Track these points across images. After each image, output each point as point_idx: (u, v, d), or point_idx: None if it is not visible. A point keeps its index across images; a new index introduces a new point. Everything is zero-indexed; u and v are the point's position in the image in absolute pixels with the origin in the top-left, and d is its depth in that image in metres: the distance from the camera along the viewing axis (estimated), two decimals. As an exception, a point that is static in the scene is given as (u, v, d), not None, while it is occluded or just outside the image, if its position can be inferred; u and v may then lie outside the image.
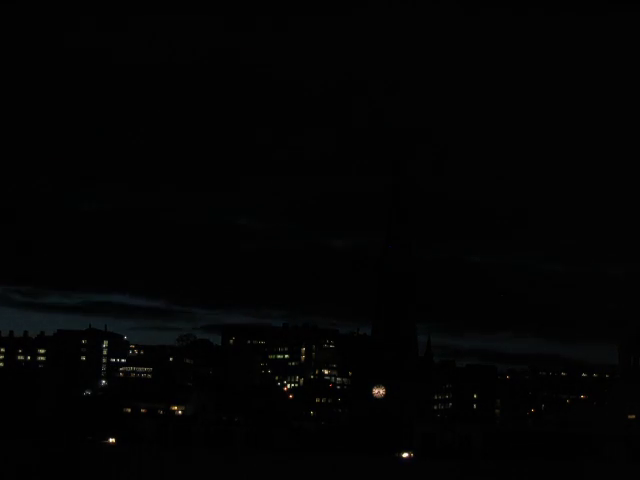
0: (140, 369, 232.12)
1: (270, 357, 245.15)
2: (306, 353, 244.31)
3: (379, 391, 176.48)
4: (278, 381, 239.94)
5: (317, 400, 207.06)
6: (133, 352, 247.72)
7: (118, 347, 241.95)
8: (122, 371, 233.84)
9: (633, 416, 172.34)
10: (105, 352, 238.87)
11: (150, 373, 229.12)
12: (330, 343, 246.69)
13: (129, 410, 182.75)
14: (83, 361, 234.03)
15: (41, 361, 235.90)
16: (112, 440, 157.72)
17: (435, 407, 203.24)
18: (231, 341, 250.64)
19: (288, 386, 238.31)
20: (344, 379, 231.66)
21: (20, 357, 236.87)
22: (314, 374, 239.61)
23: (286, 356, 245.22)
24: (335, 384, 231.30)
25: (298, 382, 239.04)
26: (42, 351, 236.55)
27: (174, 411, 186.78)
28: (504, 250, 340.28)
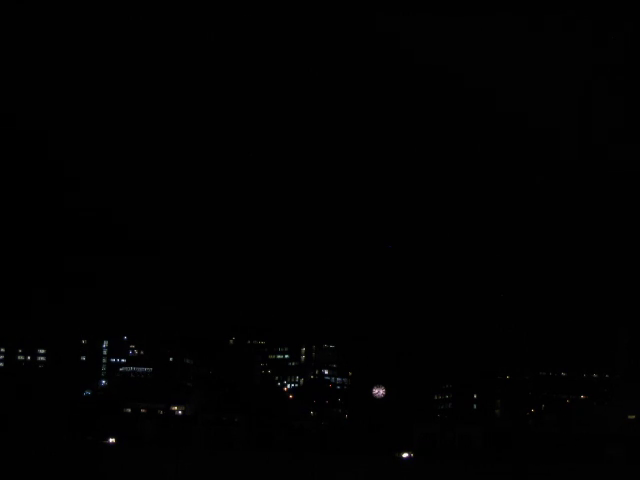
0: (140, 369, 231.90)
1: (270, 357, 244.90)
2: (306, 353, 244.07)
3: (379, 391, 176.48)
4: (278, 381, 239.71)
5: (317, 400, 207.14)
6: (133, 352, 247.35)
7: (118, 347, 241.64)
8: (122, 371, 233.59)
9: (633, 416, 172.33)
10: (105, 352, 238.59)
11: (150, 373, 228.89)
12: (330, 343, 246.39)
13: (129, 410, 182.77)
14: (83, 361, 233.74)
15: (41, 361, 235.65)
16: (112, 440, 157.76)
17: (435, 407, 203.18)
18: (231, 341, 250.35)
19: (288, 386, 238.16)
20: (344, 379, 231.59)
21: (20, 357, 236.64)
22: (314, 374, 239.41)
23: (286, 356, 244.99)
24: (335, 384, 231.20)
25: (298, 382, 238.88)
26: (42, 351, 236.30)
27: (174, 411, 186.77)
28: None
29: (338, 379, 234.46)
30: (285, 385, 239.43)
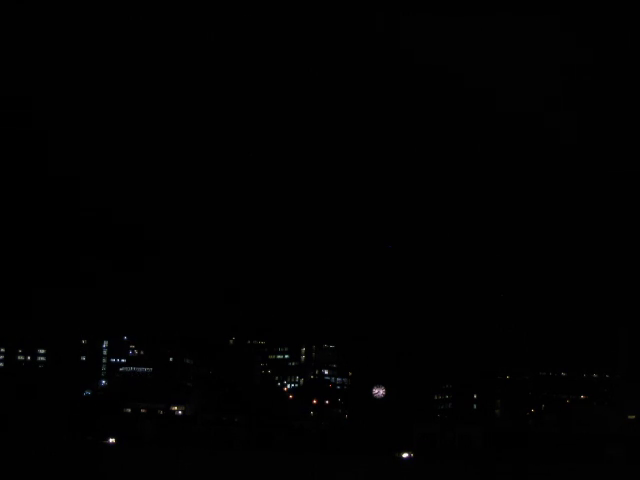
0: (140, 369, 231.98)
1: (270, 357, 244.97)
2: (306, 353, 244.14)
3: (379, 391, 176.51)
4: (278, 381, 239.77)
5: (317, 400, 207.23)
6: (133, 352, 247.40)
7: (118, 347, 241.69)
8: (122, 371, 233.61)
9: (633, 416, 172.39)
10: (105, 352, 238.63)
11: (150, 373, 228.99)
12: (330, 343, 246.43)
13: (129, 410, 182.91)
14: (83, 361, 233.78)
15: (41, 361, 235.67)
16: (112, 440, 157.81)
17: (435, 407, 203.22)
18: (231, 341, 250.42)
19: (288, 386, 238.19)
20: (344, 379, 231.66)
21: (20, 357, 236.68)
22: (314, 374, 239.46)
23: (286, 356, 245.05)
24: (335, 384, 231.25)
25: (298, 382, 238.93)
26: (42, 351, 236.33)
27: (174, 411, 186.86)
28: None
29: (338, 379, 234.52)
30: (285, 385, 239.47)
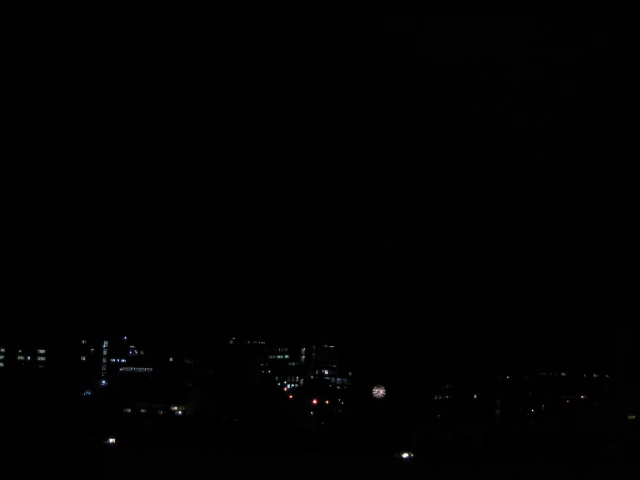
0: (140, 369, 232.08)
1: (270, 357, 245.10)
2: (306, 353, 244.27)
3: (379, 391, 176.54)
4: (278, 381, 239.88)
5: (317, 400, 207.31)
6: (133, 352, 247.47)
7: (118, 347, 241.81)
8: (122, 371, 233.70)
9: (633, 416, 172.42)
10: (105, 352, 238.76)
11: (150, 373, 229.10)
12: (330, 343, 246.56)
13: (129, 410, 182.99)
14: (83, 361, 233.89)
15: (41, 361, 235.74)
16: (112, 440, 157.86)
17: (435, 407, 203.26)
18: (231, 341, 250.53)
19: (288, 386, 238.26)
20: (344, 379, 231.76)
21: (20, 357, 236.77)
22: (314, 374, 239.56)
23: (286, 356, 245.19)
24: (335, 384, 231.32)
25: (298, 382, 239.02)
26: (42, 351, 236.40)
27: (174, 411, 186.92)
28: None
29: (338, 379, 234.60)
30: (285, 385, 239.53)
